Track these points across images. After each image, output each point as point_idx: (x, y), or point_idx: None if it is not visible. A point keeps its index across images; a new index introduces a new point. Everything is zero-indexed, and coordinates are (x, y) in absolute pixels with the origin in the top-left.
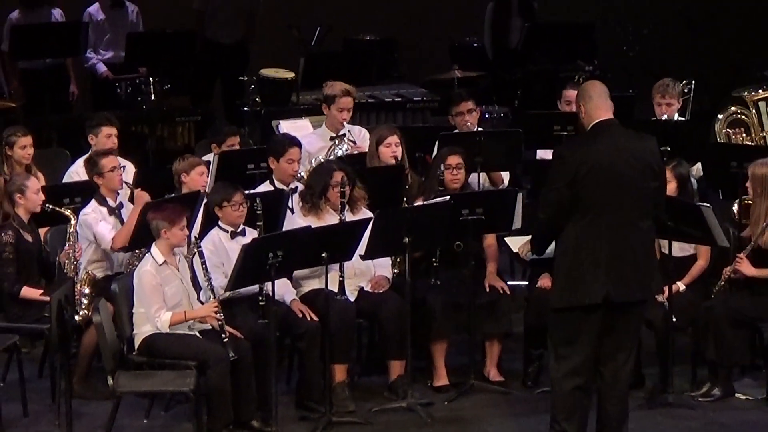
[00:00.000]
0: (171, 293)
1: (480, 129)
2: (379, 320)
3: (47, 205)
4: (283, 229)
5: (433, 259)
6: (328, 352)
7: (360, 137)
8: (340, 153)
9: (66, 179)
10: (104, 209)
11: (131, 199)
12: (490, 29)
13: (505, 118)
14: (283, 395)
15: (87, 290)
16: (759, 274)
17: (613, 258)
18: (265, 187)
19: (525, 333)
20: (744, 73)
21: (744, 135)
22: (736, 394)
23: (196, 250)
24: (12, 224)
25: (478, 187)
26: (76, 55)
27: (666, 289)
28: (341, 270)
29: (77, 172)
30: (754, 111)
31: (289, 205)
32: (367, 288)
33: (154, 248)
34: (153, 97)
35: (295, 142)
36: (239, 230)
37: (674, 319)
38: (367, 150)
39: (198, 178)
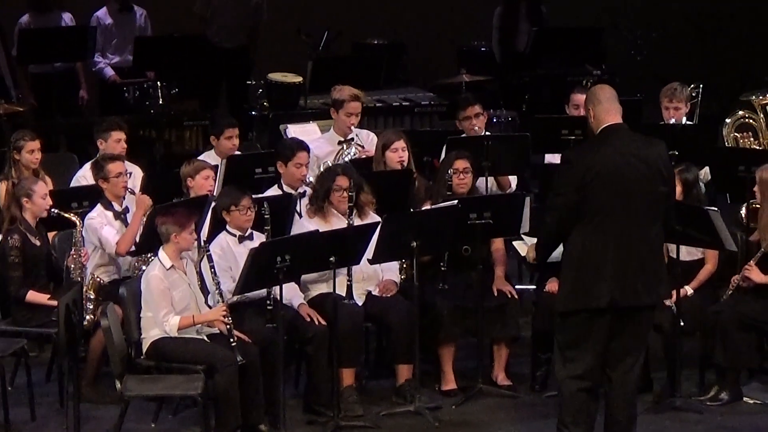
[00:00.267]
0: (179, 297)
1: (488, 133)
2: (387, 324)
3: (53, 209)
4: (291, 234)
5: (441, 264)
6: (336, 356)
7: (368, 141)
8: (348, 157)
9: (74, 183)
10: (109, 213)
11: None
12: (498, 33)
13: (513, 122)
14: (291, 399)
15: (92, 295)
16: None
17: (620, 262)
18: (273, 191)
19: (533, 337)
20: (752, 78)
21: (752, 139)
22: (744, 398)
23: (205, 254)
24: (19, 228)
25: (485, 191)
26: (84, 59)
27: (674, 293)
28: (349, 274)
29: (84, 176)
30: (761, 115)
31: (297, 209)
32: (375, 292)
33: (161, 252)
34: (161, 102)
35: (303, 146)
36: (247, 234)
37: (682, 323)
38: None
39: (203, 182)
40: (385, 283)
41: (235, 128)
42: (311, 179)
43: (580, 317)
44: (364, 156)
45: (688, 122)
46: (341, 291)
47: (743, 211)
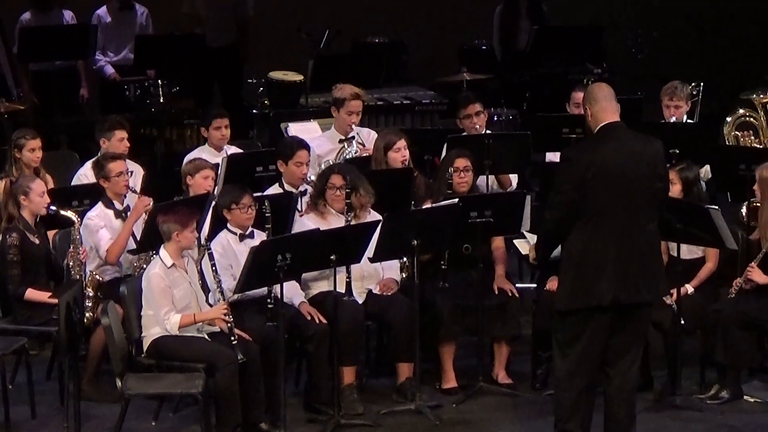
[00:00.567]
0: (179, 296)
1: (488, 132)
2: (387, 323)
3: (51, 207)
4: (292, 232)
5: (442, 262)
6: (336, 355)
7: (369, 140)
8: (349, 156)
9: (74, 182)
10: (110, 212)
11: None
12: (498, 32)
13: (514, 120)
14: (291, 397)
15: (91, 292)
16: None
17: (621, 260)
18: (273, 189)
19: (533, 335)
20: (753, 76)
21: (752, 138)
22: (745, 397)
23: (206, 252)
24: (17, 226)
25: (486, 189)
26: (85, 57)
27: (674, 291)
28: (348, 271)
29: (86, 174)
30: (762, 114)
31: (298, 207)
32: (376, 291)
33: (162, 251)
34: (161, 100)
35: (303, 144)
36: (248, 233)
37: (683, 322)
38: None
39: (202, 181)
40: (386, 281)
41: (224, 119)
42: (312, 177)
43: (580, 315)
44: (364, 154)
45: (688, 121)
46: (342, 289)
47: (744, 210)
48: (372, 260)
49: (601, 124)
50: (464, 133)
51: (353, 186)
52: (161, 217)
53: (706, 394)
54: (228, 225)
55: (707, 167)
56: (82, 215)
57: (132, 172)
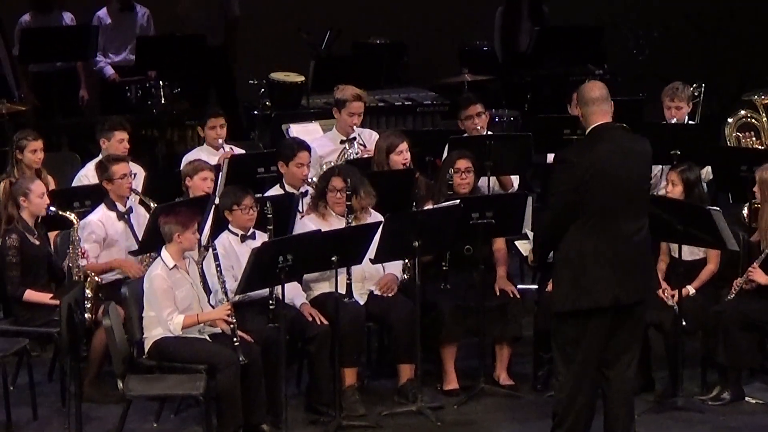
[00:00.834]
0: (181, 297)
1: (490, 133)
2: (388, 324)
3: (51, 208)
4: (293, 233)
5: (443, 263)
6: (337, 356)
7: (370, 141)
8: (350, 157)
9: (75, 182)
10: (113, 214)
11: (141, 203)
12: (499, 33)
13: (515, 121)
14: (292, 399)
15: (90, 294)
16: None
17: (619, 260)
18: (274, 191)
19: (535, 337)
20: (754, 77)
21: (754, 139)
22: (746, 398)
23: (211, 251)
24: (17, 228)
25: (488, 190)
26: (86, 58)
27: (676, 293)
28: (349, 273)
29: (87, 175)
30: (764, 115)
31: (299, 208)
32: (377, 291)
33: (164, 252)
34: (163, 101)
35: (304, 145)
36: (249, 234)
37: (684, 323)
38: None
39: (201, 183)
40: (386, 279)
41: (219, 118)
42: (313, 179)
43: (579, 317)
44: (366, 155)
45: (690, 122)
46: (343, 290)
47: (745, 211)
48: (373, 261)
49: (592, 126)
50: (465, 135)
51: (354, 188)
52: (162, 218)
53: (708, 395)
54: (229, 226)
55: (708, 168)
56: (83, 216)
57: (135, 175)
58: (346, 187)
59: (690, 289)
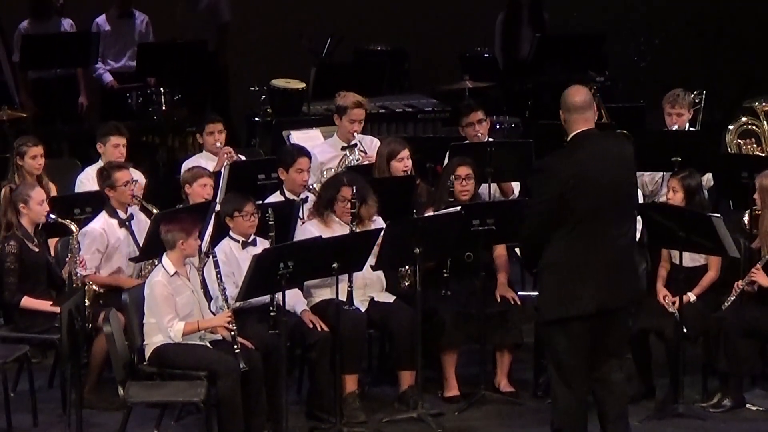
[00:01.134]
0: (182, 303)
1: (491, 139)
2: (389, 330)
3: (50, 216)
4: (294, 239)
5: (444, 270)
6: (338, 363)
7: (371, 147)
8: (351, 163)
9: (77, 185)
10: (114, 221)
11: (142, 209)
12: (500, 40)
13: (516, 128)
14: (293, 405)
15: (87, 302)
16: None
17: (604, 266)
18: (275, 197)
19: (535, 343)
20: (755, 84)
21: (755, 146)
22: (747, 405)
23: (212, 258)
24: (16, 234)
25: (488, 197)
26: (86, 65)
27: (677, 299)
28: (350, 280)
29: (86, 178)
30: (765, 122)
31: (300, 215)
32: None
33: (165, 259)
34: (164, 108)
35: (304, 152)
36: (250, 240)
37: (685, 330)
38: None
39: (200, 189)
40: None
41: (217, 124)
42: (314, 185)
43: (567, 324)
44: (367, 162)
45: (691, 128)
46: (344, 297)
47: (746, 218)
48: (374, 268)
49: (573, 133)
50: (466, 141)
51: (362, 197)
52: (164, 226)
53: (709, 402)
54: (230, 232)
55: (709, 175)
56: (84, 224)
57: (136, 182)
58: (354, 196)
59: (691, 296)
